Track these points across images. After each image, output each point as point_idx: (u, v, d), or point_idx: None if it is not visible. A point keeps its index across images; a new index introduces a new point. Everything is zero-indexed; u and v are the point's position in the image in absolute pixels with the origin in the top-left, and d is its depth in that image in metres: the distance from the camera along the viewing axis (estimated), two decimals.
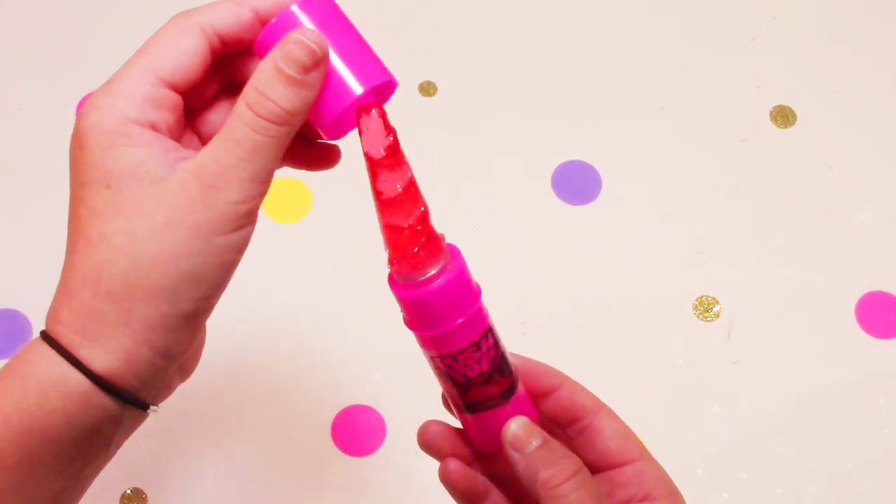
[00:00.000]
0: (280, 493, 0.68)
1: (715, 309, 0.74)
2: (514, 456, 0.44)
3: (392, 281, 0.44)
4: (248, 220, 0.41)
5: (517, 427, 0.45)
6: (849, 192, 0.79)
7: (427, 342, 0.44)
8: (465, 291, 0.44)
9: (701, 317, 0.74)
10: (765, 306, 0.75)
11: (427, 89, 0.81)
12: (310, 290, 0.74)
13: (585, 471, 0.44)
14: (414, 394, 0.70)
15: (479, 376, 0.44)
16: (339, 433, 0.69)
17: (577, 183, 0.79)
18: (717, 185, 0.79)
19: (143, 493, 0.67)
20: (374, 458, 0.69)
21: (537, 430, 0.45)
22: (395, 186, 0.42)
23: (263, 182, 0.41)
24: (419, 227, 0.42)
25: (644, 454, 0.47)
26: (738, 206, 0.78)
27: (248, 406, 0.70)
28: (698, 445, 0.70)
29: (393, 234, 0.43)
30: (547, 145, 0.80)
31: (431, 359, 0.45)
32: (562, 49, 0.84)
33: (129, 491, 0.67)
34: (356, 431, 0.69)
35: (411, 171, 0.43)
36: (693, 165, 0.80)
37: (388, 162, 0.42)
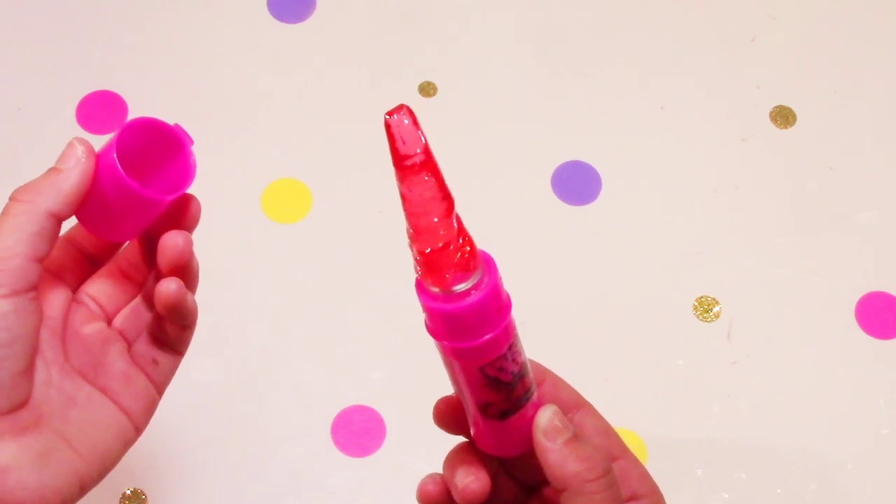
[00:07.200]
0: (280, 494, 0.68)
1: (715, 309, 0.74)
2: (546, 445, 0.43)
3: (431, 296, 0.40)
4: None
5: (551, 415, 0.44)
6: (849, 192, 0.79)
7: (472, 354, 0.41)
8: (501, 292, 0.42)
9: (701, 317, 0.74)
10: (765, 306, 0.75)
11: (427, 89, 0.81)
12: (309, 291, 0.74)
13: (613, 471, 0.44)
14: (414, 394, 0.70)
15: (521, 368, 0.43)
16: (339, 433, 0.69)
17: (577, 183, 0.79)
18: (717, 185, 0.79)
19: (142, 493, 0.67)
20: (374, 458, 0.69)
21: (567, 421, 0.44)
22: (425, 193, 0.39)
23: None
24: (458, 238, 0.40)
25: (626, 452, 0.47)
26: (737, 206, 0.78)
27: (248, 406, 0.70)
28: (698, 445, 0.70)
29: (426, 244, 0.39)
30: (547, 146, 0.80)
31: (479, 369, 0.42)
32: (562, 49, 0.84)
33: (128, 491, 0.67)
34: (356, 432, 0.69)
35: (442, 177, 0.40)
36: (693, 165, 0.80)
37: (420, 166, 0.39)
